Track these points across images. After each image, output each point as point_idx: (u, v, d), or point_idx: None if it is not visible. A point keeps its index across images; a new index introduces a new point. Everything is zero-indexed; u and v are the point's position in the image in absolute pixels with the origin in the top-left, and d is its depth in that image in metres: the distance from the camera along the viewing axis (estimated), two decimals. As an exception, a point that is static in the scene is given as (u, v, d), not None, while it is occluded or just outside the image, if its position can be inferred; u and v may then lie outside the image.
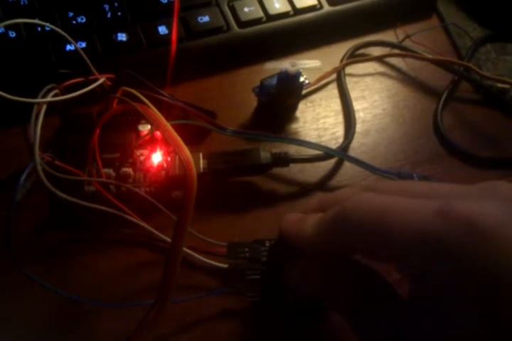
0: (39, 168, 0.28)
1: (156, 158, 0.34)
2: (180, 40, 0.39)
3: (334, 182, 0.37)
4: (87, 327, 0.31)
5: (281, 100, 0.38)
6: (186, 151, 0.26)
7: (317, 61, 0.36)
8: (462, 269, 0.18)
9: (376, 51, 0.44)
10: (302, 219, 0.26)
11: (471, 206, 0.19)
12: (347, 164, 0.38)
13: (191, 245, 0.32)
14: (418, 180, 0.24)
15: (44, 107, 0.29)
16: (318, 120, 0.40)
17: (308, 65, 0.36)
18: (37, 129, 0.28)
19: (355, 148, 0.39)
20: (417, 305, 0.20)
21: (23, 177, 0.27)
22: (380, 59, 0.43)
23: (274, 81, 0.37)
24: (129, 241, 0.33)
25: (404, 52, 0.42)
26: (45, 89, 0.30)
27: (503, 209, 0.18)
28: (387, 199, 0.21)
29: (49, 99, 0.29)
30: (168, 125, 0.27)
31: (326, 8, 0.43)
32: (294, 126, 0.40)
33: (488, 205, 0.19)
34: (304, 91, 0.40)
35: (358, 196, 0.22)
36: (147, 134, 0.34)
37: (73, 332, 0.31)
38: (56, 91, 0.31)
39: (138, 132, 0.35)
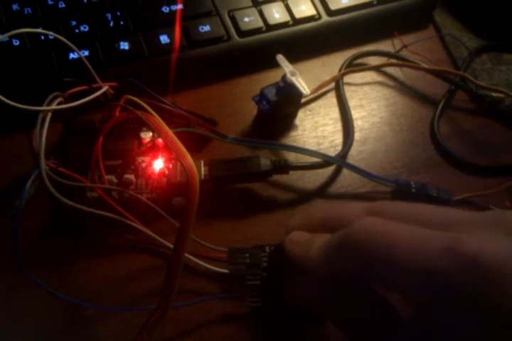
0: (45, 174, 0.28)
1: (158, 164, 0.35)
2: (181, 49, 0.40)
3: (333, 189, 0.38)
4: (89, 331, 0.31)
5: (281, 108, 0.39)
6: (189, 159, 0.26)
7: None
8: (466, 309, 0.19)
9: (374, 61, 0.44)
10: (307, 241, 0.26)
11: (478, 245, 0.19)
12: (345, 171, 0.38)
13: (192, 250, 0.32)
14: (425, 204, 0.23)
15: (49, 115, 0.29)
16: (317, 128, 0.41)
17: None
18: (42, 137, 0.28)
19: (354, 156, 0.39)
20: (418, 334, 0.21)
21: (29, 183, 0.28)
22: (377, 68, 0.44)
23: (274, 89, 0.38)
24: (130, 246, 0.34)
25: (402, 61, 0.43)
26: (50, 97, 0.30)
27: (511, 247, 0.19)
28: (394, 227, 0.21)
29: (54, 107, 0.30)
30: (171, 133, 0.28)
31: (325, 18, 0.43)
32: (294, 133, 0.40)
33: (496, 244, 0.19)
34: (303, 100, 0.41)
35: (364, 221, 0.22)
36: (149, 141, 0.35)
37: (76, 337, 0.31)
38: (61, 99, 0.31)
39: (140, 139, 0.36)
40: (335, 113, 0.42)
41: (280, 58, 0.37)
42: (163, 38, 0.40)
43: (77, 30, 0.39)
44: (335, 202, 0.37)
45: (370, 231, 0.21)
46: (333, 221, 0.26)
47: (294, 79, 0.36)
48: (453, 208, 0.23)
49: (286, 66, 0.37)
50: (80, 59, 0.34)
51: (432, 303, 0.20)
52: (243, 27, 0.41)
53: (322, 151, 0.37)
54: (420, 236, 0.20)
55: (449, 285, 0.19)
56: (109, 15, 0.40)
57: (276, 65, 0.41)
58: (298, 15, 0.43)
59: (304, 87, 0.36)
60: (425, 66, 0.43)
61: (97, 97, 0.33)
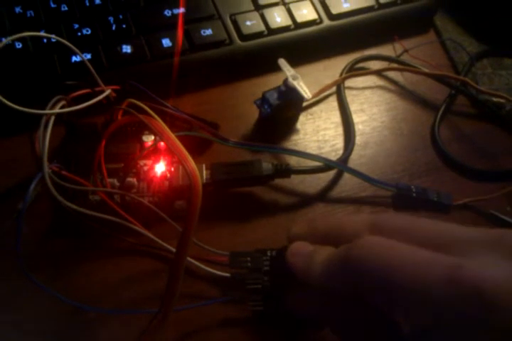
0: (47, 178, 0.28)
1: (160, 168, 0.35)
2: (183, 52, 0.40)
3: (334, 193, 0.38)
4: (91, 334, 0.31)
5: (282, 112, 0.39)
6: (192, 163, 0.26)
7: (280, 59, 0.37)
8: (466, 336, 0.19)
9: (375, 65, 0.44)
10: (309, 255, 0.26)
11: (478, 272, 0.19)
12: (347, 175, 0.38)
13: (193, 254, 0.32)
14: (428, 219, 0.23)
15: (52, 118, 0.29)
16: (318, 132, 0.41)
17: (286, 65, 0.37)
18: (46, 140, 0.28)
19: (355, 160, 0.40)
20: None
21: (32, 187, 0.28)
22: (378, 73, 0.44)
23: (276, 93, 0.38)
24: (132, 249, 0.34)
25: (403, 66, 0.44)
26: (53, 101, 0.30)
27: None
28: (396, 249, 0.21)
29: (57, 110, 0.30)
30: (173, 136, 0.28)
31: (326, 22, 0.43)
32: (295, 137, 0.40)
33: (496, 270, 0.19)
34: (304, 104, 0.41)
35: (366, 241, 0.22)
36: (152, 145, 0.35)
37: (77, 339, 0.31)
38: (63, 102, 0.31)
39: (142, 142, 0.36)
40: (336, 117, 0.42)
41: (282, 62, 0.37)
42: (166, 42, 0.40)
43: (79, 34, 0.40)
44: (336, 206, 0.37)
45: (372, 251, 0.22)
46: (336, 233, 0.26)
47: (295, 83, 0.36)
48: (454, 225, 0.23)
49: (287, 70, 0.37)
50: (82, 62, 0.35)
51: (432, 327, 0.20)
52: (245, 31, 0.42)
53: (323, 155, 0.37)
54: (421, 260, 0.21)
55: (449, 313, 0.19)
56: (111, 19, 0.40)
57: (278, 68, 0.41)
58: (299, 19, 0.43)
59: (305, 91, 0.36)
60: (426, 70, 0.43)
61: (100, 100, 0.34)
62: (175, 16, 0.41)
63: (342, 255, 0.23)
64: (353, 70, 0.44)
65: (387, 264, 0.21)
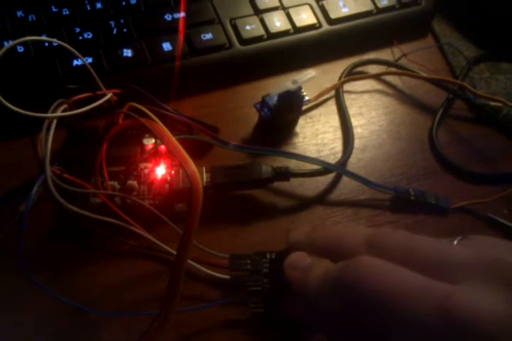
0: (50, 181, 0.28)
1: (160, 171, 0.35)
2: (183, 56, 0.40)
3: (333, 196, 0.38)
4: (91, 335, 0.31)
5: (282, 116, 0.39)
6: (192, 166, 0.27)
7: (311, 71, 0.37)
8: None
9: (373, 69, 0.45)
10: (306, 268, 0.26)
11: (471, 306, 0.19)
12: (345, 178, 0.39)
13: (194, 256, 0.33)
14: (427, 238, 0.23)
15: (54, 122, 0.30)
16: (317, 135, 0.41)
17: (306, 76, 0.37)
18: (48, 143, 0.29)
19: (353, 163, 0.40)
20: None
21: (34, 189, 0.28)
22: (377, 77, 0.45)
23: (275, 97, 0.38)
24: (133, 252, 0.34)
25: (401, 70, 0.44)
26: (55, 104, 0.31)
27: (507, 308, 0.19)
28: (392, 275, 0.21)
29: (60, 113, 0.30)
30: (174, 139, 0.28)
31: (325, 27, 0.44)
32: (294, 141, 0.41)
33: (490, 303, 0.19)
34: (303, 107, 0.41)
35: (362, 263, 0.22)
36: (153, 148, 0.35)
37: (77, 341, 0.31)
38: (65, 106, 0.31)
39: (142, 146, 0.36)
40: (335, 121, 0.42)
41: (309, 72, 0.37)
42: (166, 46, 0.40)
43: (80, 37, 0.40)
44: (335, 209, 0.38)
45: (367, 274, 0.22)
46: (334, 246, 0.26)
47: (284, 87, 0.37)
48: (454, 245, 0.23)
49: (300, 76, 0.37)
50: (83, 66, 0.35)
51: None
52: (245, 35, 0.42)
53: (322, 159, 0.38)
54: (415, 288, 0.21)
55: None
56: (112, 23, 0.41)
57: (277, 72, 0.41)
58: (299, 23, 0.43)
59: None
60: (424, 75, 0.43)
61: (101, 104, 0.34)
62: (175, 20, 0.42)
63: (337, 273, 0.23)
64: (352, 74, 0.44)
65: (382, 289, 0.21)
